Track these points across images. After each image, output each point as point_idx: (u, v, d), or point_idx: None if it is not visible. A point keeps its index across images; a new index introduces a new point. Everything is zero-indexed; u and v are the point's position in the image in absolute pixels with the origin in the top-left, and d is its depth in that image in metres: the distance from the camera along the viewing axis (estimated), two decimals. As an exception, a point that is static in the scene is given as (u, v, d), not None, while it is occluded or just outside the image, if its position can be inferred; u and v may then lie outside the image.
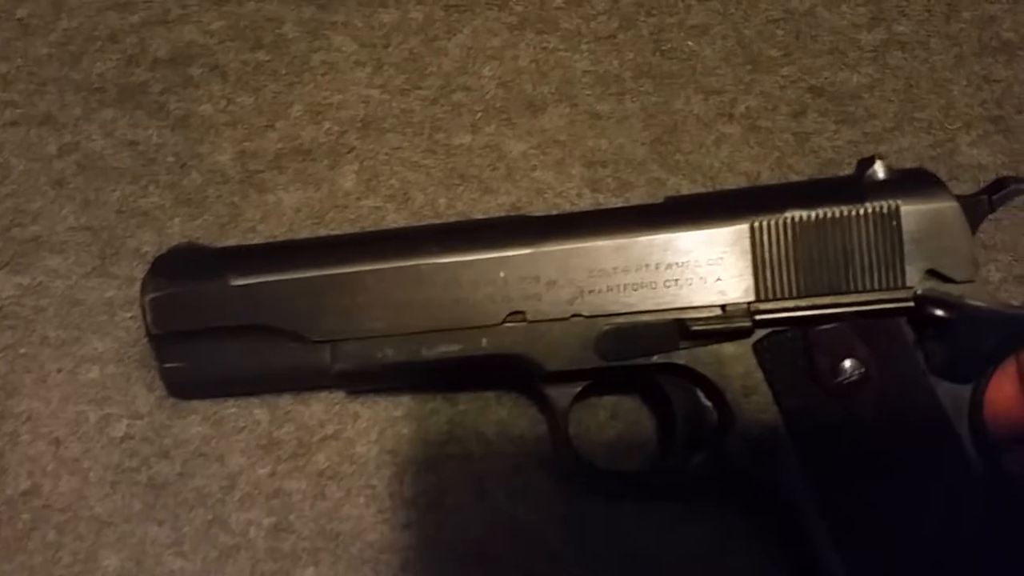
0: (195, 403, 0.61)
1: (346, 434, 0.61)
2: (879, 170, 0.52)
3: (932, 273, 0.50)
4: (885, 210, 0.50)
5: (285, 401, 0.61)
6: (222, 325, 0.55)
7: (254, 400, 0.61)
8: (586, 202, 0.65)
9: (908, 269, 0.50)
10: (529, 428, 0.60)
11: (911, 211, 0.50)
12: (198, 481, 0.60)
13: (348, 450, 0.60)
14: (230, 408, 0.61)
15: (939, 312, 0.49)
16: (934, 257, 0.50)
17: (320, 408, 0.61)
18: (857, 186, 0.52)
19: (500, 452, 0.60)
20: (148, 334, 0.55)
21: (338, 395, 0.61)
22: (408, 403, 0.61)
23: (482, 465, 0.59)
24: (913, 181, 0.52)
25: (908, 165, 0.61)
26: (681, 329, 0.52)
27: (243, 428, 0.61)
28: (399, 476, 0.60)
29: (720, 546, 0.58)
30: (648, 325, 0.52)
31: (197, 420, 0.61)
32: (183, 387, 0.58)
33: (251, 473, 0.60)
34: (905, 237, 0.50)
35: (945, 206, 0.50)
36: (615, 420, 0.61)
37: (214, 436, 0.61)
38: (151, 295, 0.55)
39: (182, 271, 0.56)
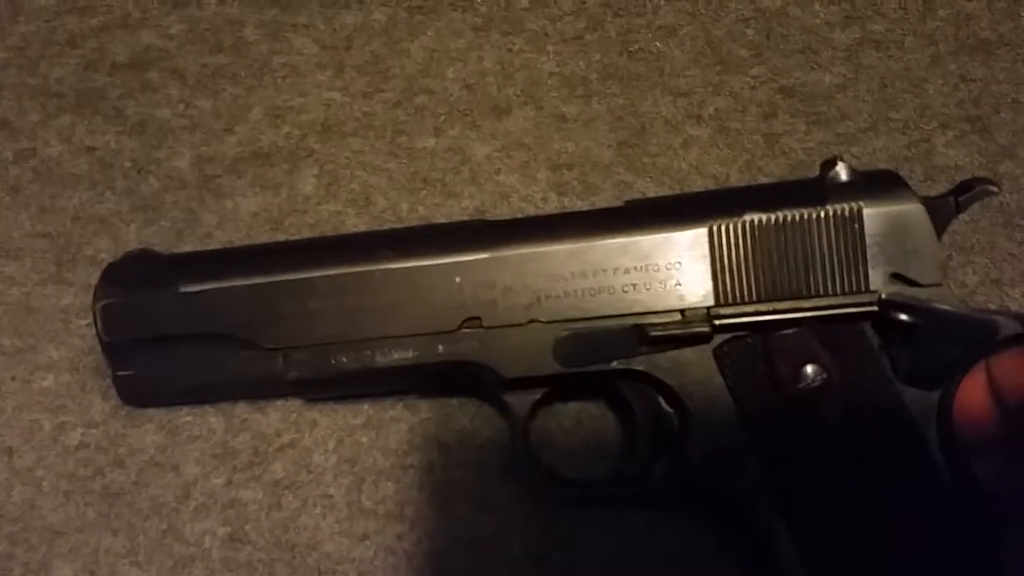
0: (150, 411, 0.61)
1: (303, 443, 0.60)
2: (841, 171, 0.51)
3: (897, 277, 0.49)
4: (847, 212, 0.49)
5: (241, 409, 0.61)
6: (174, 333, 0.54)
7: (209, 409, 0.61)
8: (552, 206, 0.64)
9: (872, 273, 0.49)
10: (492, 437, 0.59)
11: (874, 213, 0.49)
12: (153, 490, 0.59)
13: (305, 459, 0.60)
14: (185, 417, 0.61)
15: (904, 317, 0.48)
16: (899, 260, 0.49)
17: (277, 416, 0.60)
18: (819, 188, 0.51)
19: (462, 462, 0.59)
20: (100, 342, 0.55)
21: (296, 403, 0.61)
22: (368, 411, 0.60)
23: (444, 475, 0.59)
24: (877, 183, 0.51)
25: (882, 166, 0.61)
26: (640, 334, 0.51)
27: (198, 437, 0.60)
28: (357, 486, 0.59)
29: (685, 557, 0.57)
30: (607, 331, 0.51)
31: (152, 429, 0.61)
32: (136, 395, 0.58)
33: (206, 482, 0.59)
34: (868, 240, 0.49)
35: (910, 208, 0.49)
36: (579, 428, 0.60)
37: (169, 445, 0.60)
38: (102, 302, 0.54)
39: (134, 278, 0.55)
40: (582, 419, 0.60)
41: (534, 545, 0.57)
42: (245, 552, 0.58)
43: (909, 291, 0.49)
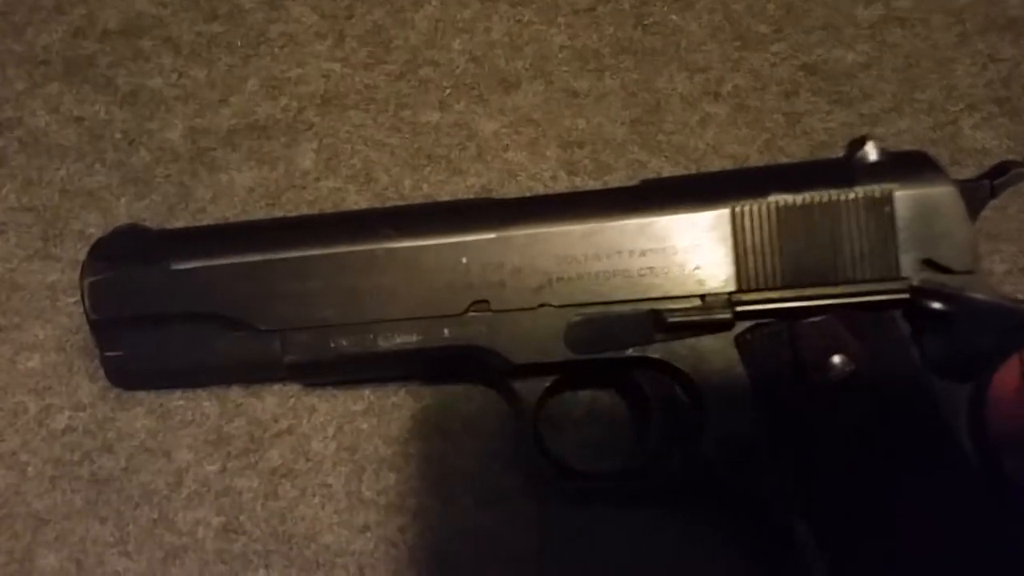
0: (140, 394, 0.59)
1: (301, 429, 0.58)
2: (870, 152, 0.49)
3: (928, 263, 0.47)
4: (877, 195, 0.48)
5: (236, 393, 0.59)
6: (164, 312, 0.52)
7: (203, 392, 0.59)
8: (561, 185, 0.62)
9: (902, 258, 0.47)
10: (499, 426, 0.57)
11: (905, 196, 0.47)
12: (143, 477, 0.58)
13: (303, 446, 0.58)
14: (177, 400, 0.59)
15: (936, 305, 0.47)
16: (931, 246, 0.47)
17: (274, 401, 0.58)
18: (847, 169, 0.49)
19: (467, 451, 0.57)
20: (88, 320, 0.53)
21: (293, 388, 0.59)
22: (369, 397, 0.58)
23: (447, 465, 0.57)
24: (908, 164, 0.49)
25: (906, 148, 0.58)
26: (657, 320, 0.49)
27: (191, 422, 0.58)
28: (357, 475, 0.57)
29: (697, 553, 0.55)
30: (621, 316, 0.50)
31: (142, 413, 0.59)
32: (125, 377, 0.56)
33: (199, 469, 0.58)
34: (899, 224, 0.47)
35: (942, 191, 0.48)
36: (589, 418, 0.58)
37: (160, 430, 0.58)
38: (90, 279, 0.53)
39: (123, 254, 0.53)
40: (592, 409, 0.58)
41: (539, 539, 0.56)
42: (240, 543, 0.56)
43: (941, 278, 0.47)
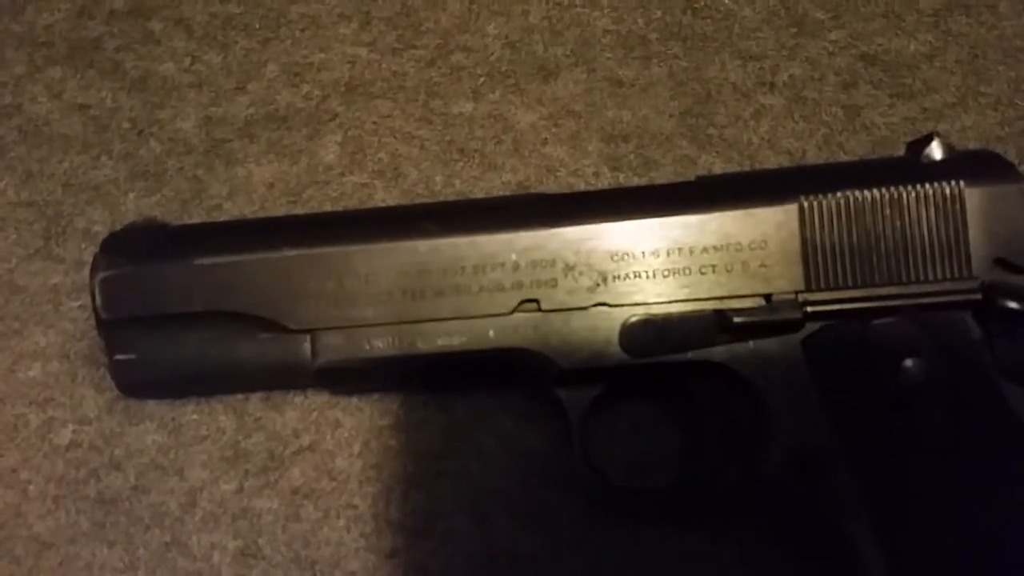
0: (151, 407, 0.57)
1: (324, 446, 0.56)
2: (936, 150, 0.49)
3: (1000, 262, 0.47)
4: (947, 192, 0.47)
5: (254, 406, 0.56)
6: (184, 311, 0.50)
7: (218, 406, 0.56)
8: (604, 182, 0.60)
9: (974, 258, 0.47)
10: (536, 442, 0.56)
11: (976, 193, 0.47)
12: (154, 497, 0.56)
13: (327, 464, 0.56)
14: (191, 414, 0.57)
15: (1011, 304, 0.46)
16: (1003, 244, 0.47)
17: (295, 415, 0.56)
18: (916, 166, 0.49)
19: (502, 469, 0.55)
20: (98, 321, 0.51)
21: (316, 401, 0.56)
22: (397, 411, 0.56)
23: (481, 484, 0.55)
24: (977, 162, 0.49)
25: (971, 146, 0.59)
26: (720, 321, 0.48)
27: (206, 437, 0.56)
28: (385, 495, 0.55)
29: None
30: (682, 317, 0.48)
31: (153, 427, 0.56)
32: (137, 384, 0.53)
33: (215, 489, 0.55)
34: (970, 222, 0.47)
35: (1014, 188, 0.47)
36: (635, 433, 0.56)
37: (172, 446, 0.56)
38: (103, 274, 0.50)
39: (139, 248, 0.52)
40: (638, 424, 0.56)
41: (582, 565, 0.54)
42: (258, 569, 0.54)
43: (1014, 278, 0.47)
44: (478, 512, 0.54)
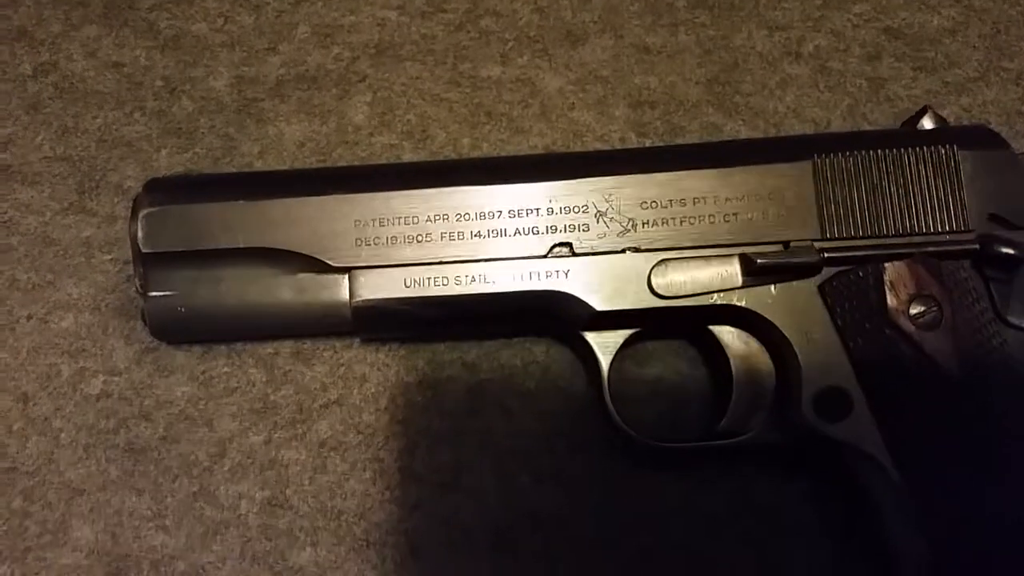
0: (180, 359, 0.56)
1: (352, 400, 0.56)
2: (928, 121, 0.53)
3: (994, 217, 0.50)
4: (943, 154, 0.50)
5: (284, 360, 0.56)
6: (226, 247, 0.50)
7: (249, 358, 0.56)
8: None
9: (971, 213, 0.50)
10: (561, 402, 0.56)
11: (969, 157, 0.50)
12: (183, 447, 0.55)
13: (354, 418, 0.56)
14: (222, 366, 0.56)
15: (1006, 249, 0.48)
16: (996, 202, 0.50)
17: (323, 370, 0.56)
18: (913, 134, 0.52)
19: (526, 429, 0.55)
20: (137, 256, 0.50)
21: (344, 356, 0.56)
22: (423, 368, 0.56)
23: (505, 442, 0.55)
24: (969, 132, 0.53)
25: (993, 120, 0.59)
26: (744, 264, 0.50)
27: (235, 389, 0.56)
28: (410, 450, 0.55)
29: (776, 541, 0.53)
30: (708, 260, 0.50)
31: (183, 379, 0.56)
32: (169, 326, 0.52)
33: (243, 440, 0.55)
34: (965, 182, 0.50)
35: (1004, 154, 0.51)
36: (661, 384, 0.56)
37: (202, 397, 0.56)
38: (147, 210, 0.50)
39: (183, 188, 0.52)
40: (663, 376, 0.56)
41: (605, 523, 0.54)
42: (286, 519, 0.54)
43: (1007, 232, 0.50)
44: (501, 470, 0.54)
